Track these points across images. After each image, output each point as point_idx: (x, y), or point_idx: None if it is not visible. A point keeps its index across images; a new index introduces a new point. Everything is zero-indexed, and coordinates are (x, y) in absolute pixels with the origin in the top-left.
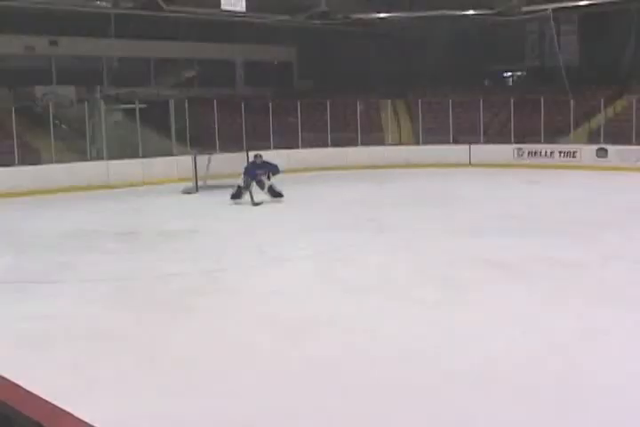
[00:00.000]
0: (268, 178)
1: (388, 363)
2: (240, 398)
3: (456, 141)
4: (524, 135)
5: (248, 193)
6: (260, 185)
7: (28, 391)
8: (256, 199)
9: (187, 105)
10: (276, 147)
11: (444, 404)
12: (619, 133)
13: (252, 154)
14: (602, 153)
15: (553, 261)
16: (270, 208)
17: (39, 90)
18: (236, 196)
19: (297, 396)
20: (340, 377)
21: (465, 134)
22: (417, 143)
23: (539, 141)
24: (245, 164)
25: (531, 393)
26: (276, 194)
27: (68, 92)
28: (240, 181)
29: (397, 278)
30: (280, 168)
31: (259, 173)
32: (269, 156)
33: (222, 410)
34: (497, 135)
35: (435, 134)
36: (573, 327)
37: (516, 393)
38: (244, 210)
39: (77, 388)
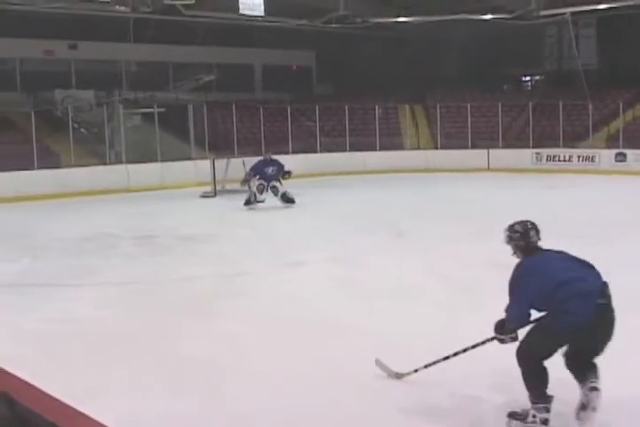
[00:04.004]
0: (280, 182)
1: (403, 367)
2: (255, 402)
3: (474, 146)
4: (543, 140)
5: (254, 198)
6: (274, 191)
7: (43, 392)
8: (259, 198)
9: (205, 109)
10: (294, 151)
11: (460, 407)
12: (638, 138)
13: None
14: (621, 157)
15: None
16: (288, 213)
17: (58, 94)
18: (250, 202)
19: (313, 400)
20: (356, 381)
21: (483, 139)
22: (435, 148)
23: (557, 146)
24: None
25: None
26: (288, 200)
27: (88, 96)
28: (253, 187)
29: (414, 283)
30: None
31: (268, 170)
32: (287, 160)
33: (237, 413)
34: (515, 140)
35: (453, 139)
36: None
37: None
38: (262, 214)
39: (94, 389)
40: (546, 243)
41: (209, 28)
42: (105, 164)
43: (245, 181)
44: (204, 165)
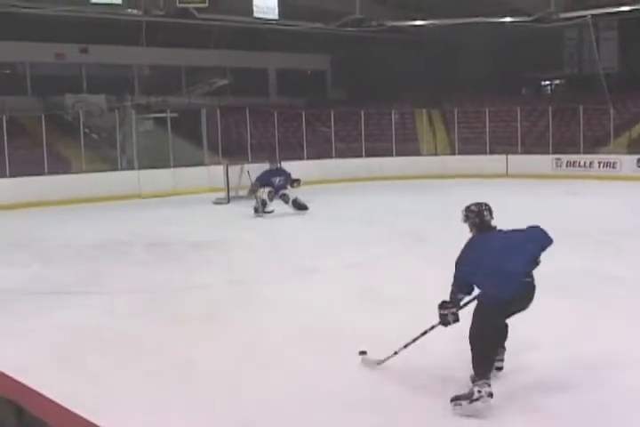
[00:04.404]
0: (292, 185)
1: (419, 377)
2: (271, 412)
3: (492, 152)
4: (563, 145)
5: (258, 202)
6: (285, 199)
7: (52, 401)
8: (267, 208)
9: (219, 114)
10: (309, 157)
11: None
12: None
13: (284, 164)
14: None
15: (594, 275)
16: (303, 219)
17: (69, 98)
18: (258, 210)
19: (329, 409)
20: (373, 390)
21: (502, 144)
22: (452, 153)
23: (577, 151)
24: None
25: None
26: (300, 206)
27: (99, 100)
28: (263, 195)
29: (431, 291)
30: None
31: (275, 180)
32: (301, 166)
33: (252, 424)
34: (535, 145)
35: (471, 144)
36: (614, 347)
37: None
38: (276, 221)
39: (105, 399)
40: (570, 251)
41: (222, 31)
42: (116, 169)
43: (252, 191)
44: (217, 171)
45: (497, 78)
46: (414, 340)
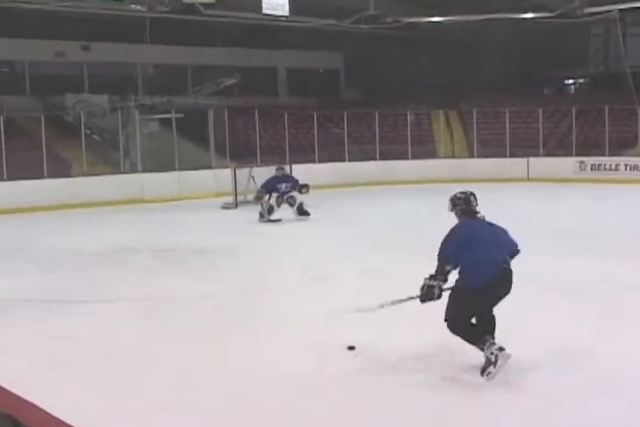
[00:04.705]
0: (300, 191)
1: (437, 392)
2: (270, 424)
3: (513, 154)
4: (587, 147)
5: (263, 208)
6: (291, 201)
7: (50, 415)
8: (272, 216)
9: (226, 115)
10: (321, 160)
11: None
12: None
13: (295, 167)
14: None
15: (618, 284)
16: (314, 225)
17: (70, 98)
18: (263, 216)
19: (338, 422)
20: (385, 401)
21: (522, 147)
22: (471, 156)
23: (603, 154)
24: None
25: None
26: (303, 212)
27: (101, 100)
28: (271, 200)
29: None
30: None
31: (281, 187)
32: (313, 169)
33: None
34: (557, 148)
35: (490, 147)
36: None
37: None
38: (284, 227)
39: (106, 413)
40: (594, 259)
41: (230, 28)
42: (119, 173)
43: (257, 198)
44: (224, 175)
45: (517, 77)
46: (401, 301)
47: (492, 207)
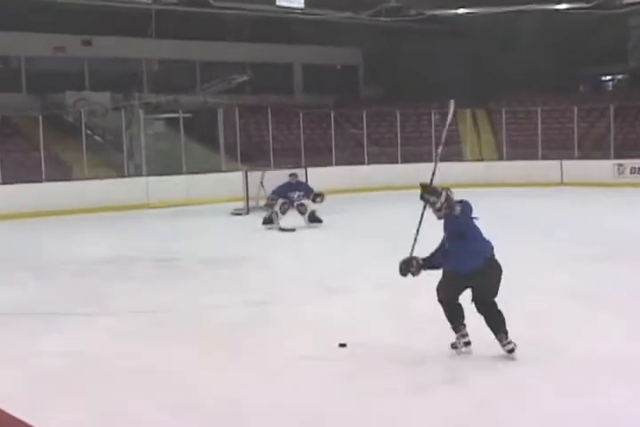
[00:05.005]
0: (314, 200)
1: (462, 409)
2: None
3: (545, 157)
4: (626, 149)
5: (277, 217)
6: (302, 209)
7: None
8: (285, 225)
9: (237, 114)
10: (338, 163)
11: None
12: None
13: (311, 171)
14: None
15: None
16: (328, 233)
17: (70, 96)
18: (269, 221)
19: None
20: (401, 423)
21: (556, 148)
22: (500, 159)
23: None
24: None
25: None
26: (315, 219)
27: (103, 98)
28: (275, 206)
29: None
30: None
31: (293, 195)
32: (330, 173)
33: None
34: (594, 149)
35: (520, 148)
36: None
37: None
38: (299, 235)
39: None
40: (633, 271)
41: (242, 21)
42: (123, 176)
43: (268, 205)
44: (235, 178)
45: (550, 74)
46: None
47: (522, 214)
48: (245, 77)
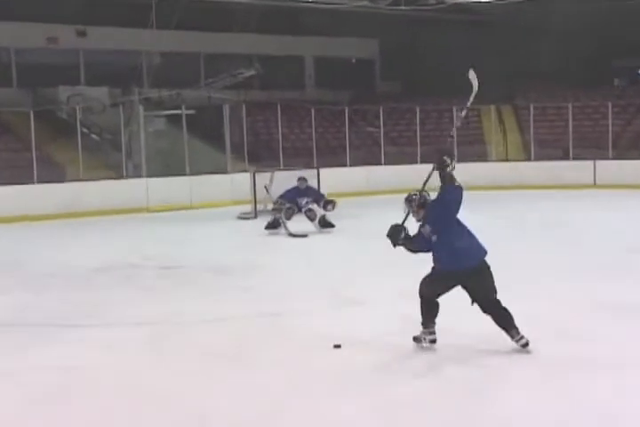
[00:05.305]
0: (325, 208)
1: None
2: None
3: (577, 157)
4: None
5: (283, 223)
6: (310, 215)
7: None
8: (294, 230)
9: (244, 111)
10: (354, 163)
11: None
12: None
13: (324, 172)
14: None
15: None
16: (342, 238)
17: (64, 91)
18: (273, 225)
19: None
20: None
21: (588, 148)
22: (527, 159)
23: None
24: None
25: None
26: (326, 224)
27: (100, 93)
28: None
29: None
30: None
31: (301, 201)
32: (345, 174)
33: None
34: (630, 149)
35: (550, 148)
36: None
37: None
38: (309, 241)
39: None
40: None
41: (249, 11)
42: (121, 177)
43: (277, 210)
44: (242, 180)
45: (583, 66)
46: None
47: (551, 219)
48: (253, 71)
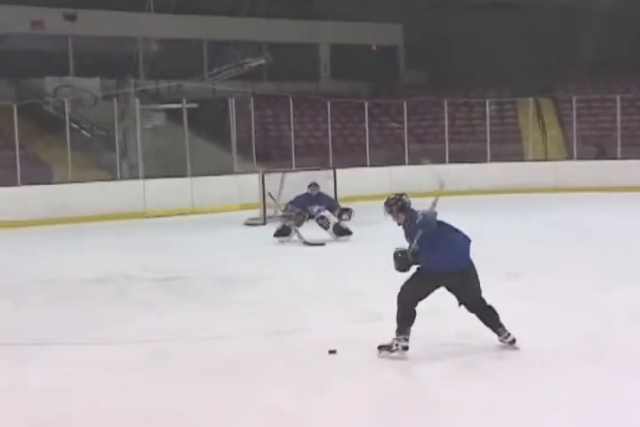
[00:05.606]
0: (340, 217)
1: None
2: None
3: (626, 156)
4: None
5: (295, 231)
6: (323, 223)
7: None
8: (309, 238)
9: (252, 105)
10: (374, 163)
11: None
12: None
13: (341, 173)
14: None
15: None
16: (359, 247)
17: (51, 82)
18: (282, 233)
19: None
20: None
21: (639, 145)
22: (569, 158)
23: None
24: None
25: None
26: (343, 231)
27: (91, 85)
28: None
29: (537, 344)
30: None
31: (313, 209)
32: (365, 175)
33: None
34: None
35: (594, 146)
36: None
37: None
38: (324, 250)
39: None
40: None
41: None
42: (115, 179)
43: (287, 217)
44: (249, 182)
45: (631, 54)
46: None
47: (594, 224)
48: (262, 60)
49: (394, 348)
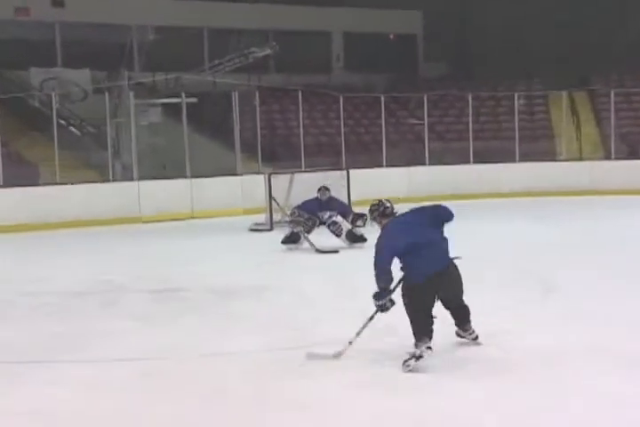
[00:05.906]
0: (353, 224)
1: None
2: None
3: None
4: None
5: (305, 237)
6: (335, 230)
7: None
8: (321, 246)
9: (258, 99)
10: (392, 163)
11: None
12: None
13: (355, 173)
14: None
15: None
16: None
17: (36, 74)
18: (291, 240)
19: None
20: None
21: None
22: (607, 158)
23: None
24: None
25: None
26: (356, 238)
27: (80, 77)
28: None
29: (570, 361)
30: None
31: (324, 215)
32: (382, 176)
33: None
34: None
35: (634, 144)
36: None
37: None
38: (336, 257)
39: None
40: None
41: None
42: (107, 180)
43: (295, 222)
44: (254, 184)
45: None
46: (363, 327)
47: (634, 231)
48: (268, 50)
49: (418, 353)
